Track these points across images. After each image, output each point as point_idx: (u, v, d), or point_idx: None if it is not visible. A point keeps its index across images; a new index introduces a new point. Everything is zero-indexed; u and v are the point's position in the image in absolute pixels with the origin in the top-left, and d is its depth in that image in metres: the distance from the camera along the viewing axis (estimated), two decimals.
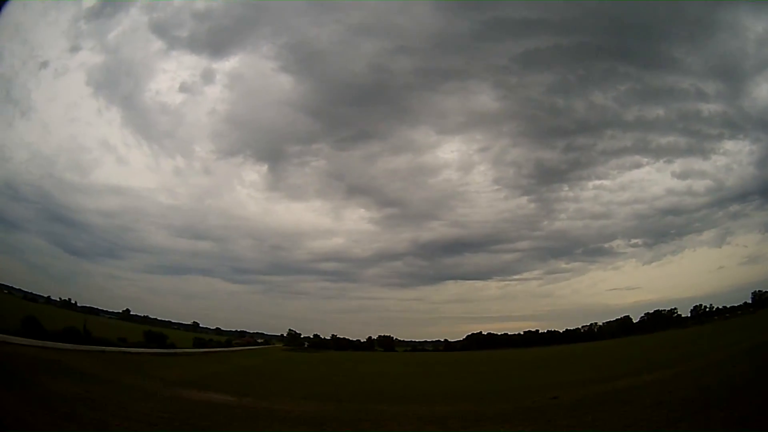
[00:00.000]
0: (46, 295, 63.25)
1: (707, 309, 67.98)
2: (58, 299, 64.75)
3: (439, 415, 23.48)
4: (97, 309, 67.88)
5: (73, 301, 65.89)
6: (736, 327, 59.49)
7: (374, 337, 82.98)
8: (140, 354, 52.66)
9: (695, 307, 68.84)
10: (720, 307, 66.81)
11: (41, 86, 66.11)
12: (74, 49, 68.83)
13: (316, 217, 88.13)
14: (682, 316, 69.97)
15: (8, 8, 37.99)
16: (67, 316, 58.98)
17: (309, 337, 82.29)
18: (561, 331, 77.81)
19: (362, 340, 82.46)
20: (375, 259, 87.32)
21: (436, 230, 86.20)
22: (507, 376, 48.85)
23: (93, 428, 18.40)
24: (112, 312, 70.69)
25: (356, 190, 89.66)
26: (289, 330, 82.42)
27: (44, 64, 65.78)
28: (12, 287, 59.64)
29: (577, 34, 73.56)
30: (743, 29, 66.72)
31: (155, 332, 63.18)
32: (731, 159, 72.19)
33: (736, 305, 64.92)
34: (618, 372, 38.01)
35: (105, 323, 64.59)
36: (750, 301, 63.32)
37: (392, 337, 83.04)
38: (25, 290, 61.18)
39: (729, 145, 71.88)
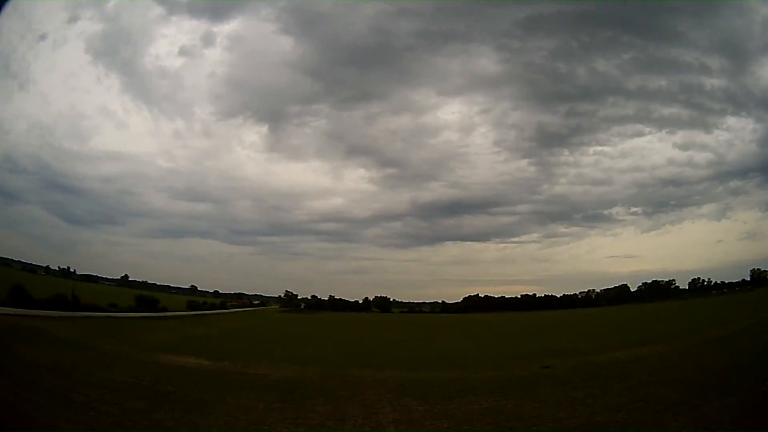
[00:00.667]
0: (44, 265, 62.77)
1: (705, 282, 66.84)
2: (57, 268, 64.08)
3: (423, 383, 22.01)
4: (95, 276, 67.56)
5: (72, 270, 65.22)
6: (734, 303, 58.67)
7: (371, 298, 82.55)
8: (126, 318, 52.03)
9: (693, 279, 68.19)
10: (718, 281, 65.98)
11: (40, 58, 64.66)
12: (73, 19, 67.09)
13: (316, 178, 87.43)
14: (680, 288, 69.15)
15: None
16: (62, 284, 57.31)
17: (306, 298, 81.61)
18: (558, 296, 77.27)
19: (359, 302, 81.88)
20: (374, 219, 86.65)
21: (435, 191, 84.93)
22: (500, 341, 47.85)
23: (51, 396, 17.19)
24: (111, 279, 70.06)
25: (356, 151, 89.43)
26: (286, 291, 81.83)
27: (43, 37, 64.38)
28: (11, 259, 58.99)
29: (580, 2, 71.03)
30: (749, 10, 64.83)
31: (146, 296, 62.53)
32: (733, 135, 70.58)
33: (734, 281, 64.16)
34: (614, 342, 36.83)
35: (100, 290, 63.38)
36: (748, 278, 62.42)
37: (389, 299, 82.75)
38: (25, 261, 60.67)
39: (731, 121, 70.44)
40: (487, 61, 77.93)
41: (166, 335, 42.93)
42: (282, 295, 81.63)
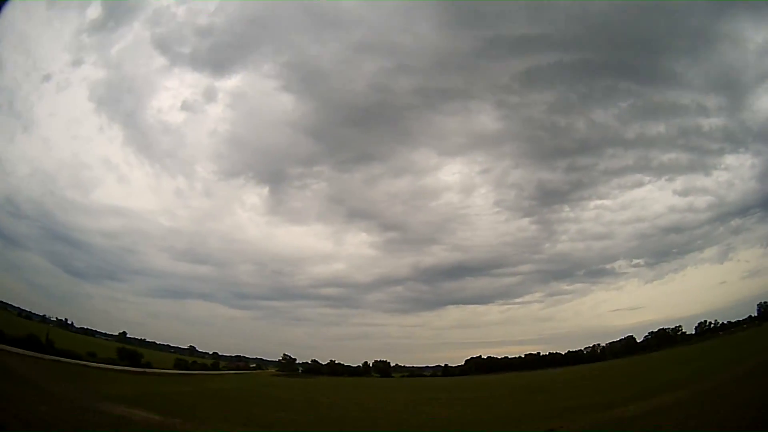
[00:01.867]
0: (42, 314, 60.70)
1: (711, 325, 63.60)
2: (54, 319, 62.15)
3: None
4: (93, 330, 65.22)
5: (69, 322, 63.41)
6: (742, 341, 55.77)
7: (370, 362, 78.43)
8: (97, 368, 49.85)
9: (700, 323, 64.52)
10: (725, 322, 62.44)
11: (43, 100, 65.51)
12: (77, 62, 68.06)
13: (317, 242, 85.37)
14: (687, 333, 65.52)
15: (8, 9, 35.97)
16: (56, 333, 56.24)
17: (306, 362, 78.24)
18: (563, 353, 72.79)
19: (359, 366, 77.76)
20: (376, 284, 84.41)
21: (437, 255, 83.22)
22: (503, 403, 44.24)
23: None
24: (109, 334, 67.02)
25: (357, 214, 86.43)
26: (284, 355, 78.24)
27: (47, 77, 65.41)
28: (9, 304, 56.78)
29: (578, 51, 71.96)
30: (743, 40, 65.06)
31: (129, 350, 60.05)
32: (732, 174, 69.74)
33: (741, 319, 60.79)
34: (624, 395, 33.87)
35: (86, 341, 61.05)
36: (755, 314, 59.19)
37: (389, 363, 78.72)
38: (22, 308, 58.62)
39: (730, 159, 69.75)
40: (486, 119, 77.81)
41: (131, 388, 40.61)
42: (280, 358, 78.20)
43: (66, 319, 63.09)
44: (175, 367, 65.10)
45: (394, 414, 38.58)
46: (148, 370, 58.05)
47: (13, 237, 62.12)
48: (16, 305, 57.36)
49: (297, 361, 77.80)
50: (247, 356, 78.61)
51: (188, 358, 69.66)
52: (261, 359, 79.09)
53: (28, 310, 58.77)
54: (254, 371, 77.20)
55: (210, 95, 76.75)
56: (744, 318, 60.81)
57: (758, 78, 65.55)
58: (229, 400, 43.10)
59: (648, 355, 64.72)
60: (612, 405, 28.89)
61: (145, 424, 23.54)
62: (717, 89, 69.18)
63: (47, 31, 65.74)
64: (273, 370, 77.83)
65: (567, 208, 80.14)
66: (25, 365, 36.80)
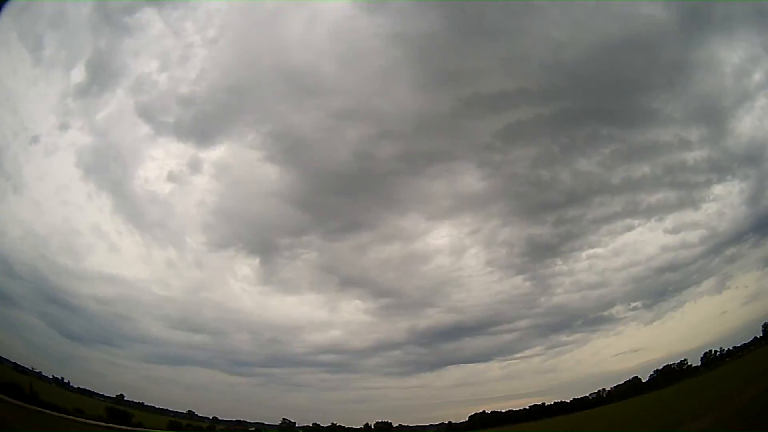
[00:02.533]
0: (38, 371, 58.93)
1: (717, 353, 60.86)
2: (51, 377, 60.75)
3: None
4: (90, 391, 63.14)
5: (66, 381, 61.68)
6: (752, 362, 53.82)
7: (372, 423, 73.76)
8: (82, 423, 49.04)
9: (705, 353, 61.81)
10: (730, 348, 60.13)
11: (32, 162, 65.43)
12: (63, 126, 67.90)
13: (312, 310, 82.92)
14: (693, 366, 62.47)
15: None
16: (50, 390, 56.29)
17: (308, 426, 74.05)
18: (569, 401, 68.92)
19: (360, 428, 73.11)
20: (374, 349, 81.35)
21: (432, 317, 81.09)
22: None
23: None
24: (106, 396, 64.79)
25: (350, 282, 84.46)
26: (283, 419, 73.80)
27: (35, 139, 65.26)
28: (7, 359, 55.95)
29: (556, 101, 72.13)
30: (719, 63, 66.66)
31: (119, 410, 58.36)
32: (722, 203, 69.67)
33: (746, 342, 58.49)
34: None
35: (85, 401, 59.81)
36: (761, 335, 56.91)
37: (391, 423, 74.18)
38: (19, 363, 57.16)
39: (718, 189, 69.81)
40: (471, 179, 77.22)
41: None
42: (280, 423, 73.89)
43: (62, 378, 61.68)
44: (169, 428, 63.36)
45: None
46: (138, 429, 56.73)
47: (8, 296, 61.35)
48: (13, 360, 56.25)
49: (297, 425, 73.97)
50: (247, 421, 74.79)
51: (184, 421, 67.47)
52: (261, 423, 75.07)
53: (24, 365, 57.33)
54: None
55: (195, 166, 76.27)
56: (749, 341, 58.69)
57: (737, 100, 66.68)
58: None
59: (656, 393, 61.48)
60: None
61: None
62: (698, 120, 70.22)
63: (33, 90, 66.24)
64: None
65: (559, 261, 78.83)
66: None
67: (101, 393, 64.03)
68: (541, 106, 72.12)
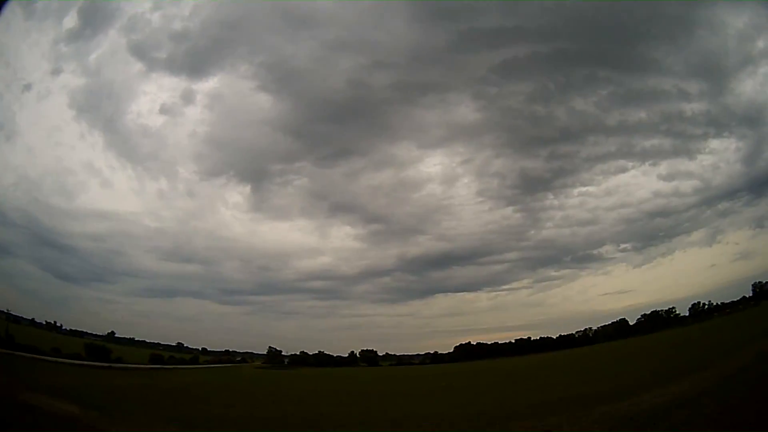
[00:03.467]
0: (30, 318, 59.73)
1: (706, 306, 61.08)
2: (44, 322, 60.98)
3: None
4: (82, 332, 63.20)
5: (58, 324, 61.83)
6: (745, 320, 52.91)
7: (357, 352, 75.04)
8: (53, 362, 46.96)
9: (693, 305, 62.45)
10: (719, 303, 60.28)
11: (25, 109, 64.98)
12: (56, 71, 68.10)
13: (302, 236, 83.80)
14: (681, 315, 62.98)
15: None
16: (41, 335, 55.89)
17: (295, 354, 75.03)
18: (554, 338, 70.53)
19: (345, 356, 74.58)
20: (363, 276, 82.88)
21: (422, 245, 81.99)
22: (491, 393, 39.78)
23: None
24: (98, 335, 64.90)
25: (340, 208, 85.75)
26: (269, 347, 75.14)
27: (27, 87, 64.91)
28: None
29: (554, 41, 70.18)
30: (723, 26, 63.66)
31: (97, 345, 57.50)
32: (718, 157, 68.65)
33: (735, 300, 58.94)
34: (630, 382, 29.92)
35: (74, 342, 58.67)
36: (750, 295, 57.11)
37: (376, 352, 75.33)
38: (13, 313, 56.34)
39: (715, 143, 68.68)
40: (465, 110, 76.40)
41: (69, 380, 36.96)
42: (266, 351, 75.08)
43: (55, 322, 61.82)
44: (150, 362, 62.54)
45: (366, 409, 33.96)
46: (116, 365, 54.84)
47: (1, 245, 60.85)
48: (5, 310, 55.30)
49: (283, 353, 74.91)
50: (237, 351, 76.77)
51: (165, 354, 67.31)
52: (250, 353, 76.92)
53: (16, 314, 56.75)
54: (237, 364, 74.05)
55: (188, 98, 75.81)
56: (738, 299, 59.02)
57: (740, 63, 64.49)
58: (176, 394, 38.74)
59: (642, 338, 61.92)
60: (619, 395, 24.61)
61: (58, 415, 21.17)
62: (698, 75, 68.45)
63: (26, 42, 65.54)
64: (259, 363, 75.07)
65: (551, 196, 79.00)
66: None
67: (93, 332, 64.28)
68: (538, 44, 70.12)
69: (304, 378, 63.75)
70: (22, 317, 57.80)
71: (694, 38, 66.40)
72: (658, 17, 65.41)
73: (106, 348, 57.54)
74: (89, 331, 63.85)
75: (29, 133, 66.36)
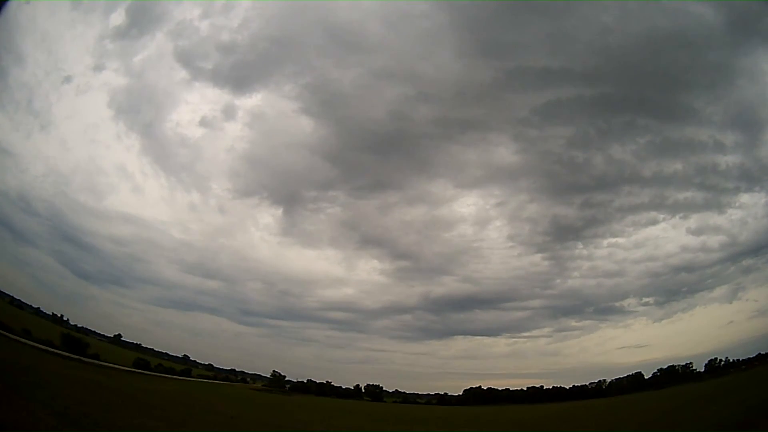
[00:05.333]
0: (36, 306, 58.37)
1: (722, 362, 57.84)
2: (51, 313, 59.49)
3: None
4: (88, 329, 61.65)
5: (65, 318, 60.32)
6: (760, 377, 49.66)
7: (362, 386, 72.61)
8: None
9: (710, 361, 58.89)
10: (734, 360, 57.07)
11: (62, 101, 64.44)
12: (98, 67, 66.71)
13: (328, 266, 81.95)
14: (697, 371, 59.61)
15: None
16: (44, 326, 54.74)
17: (302, 381, 72.96)
18: (567, 388, 67.23)
19: (349, 388, 72.21)
20: (385, 311, 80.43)
21: (447, 285, 79.32)
22: None
23: None
24: (104, 335, 64.13)
25: (370, 241, 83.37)
26: (273, 371, 72.83)
27: (67, 79, 64.12)
28: (5, 293, 54.58)
29: (598, 85, 69.71)
30: (762, 74, 63.02)
31: (74, 337, 55.26)
32: (746, 212, 66.49)
33: (751, 357, 55.23)
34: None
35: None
36: (765, 352, 53.45)
37: (381, 387, 72.86)
38: (16, 297, 56.02)
39: (745, 198, 66.78)
40: (505, 151, 75.04)
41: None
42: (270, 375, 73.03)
43: (62, 315, 60.24)
44: (134, 366, 60.22)
45: None
46: (86, 359, 52.93)
47: (22, 233, 60.61)
48: (11, 294, 55.12)
49: (287, 378, 72.84)
50: (245, 371, 74.73)
51: (155, 360, 65.37)
52: (258, 375, 74.88)
53: (20, 299, 56.39)
54: (231, 383, 72.03)
55: (229, 112, 75.13)
56: (754, 355, 55.29)
57: None
58: (127, 399, 37.21)
59: (657, 393, 58.50)
60: None
61: None
62: (735, 126, 66.90)
63: (70, 32, 65.04)
64: (259, 385, 72.96)
65: (580, 245, 76.45)
66: None
67: (99, 332, 63.16)
68: (582, 87, 69.12)
69: (290, 404, 61.99)
70: (28, 304, 56.76)
71: (733, 87, 65.62)
72: (699, 65, 65.22)
73: (83, 342, 55.53)
74: (96, 330, 62.68)
75: (64, 126, 65.40)
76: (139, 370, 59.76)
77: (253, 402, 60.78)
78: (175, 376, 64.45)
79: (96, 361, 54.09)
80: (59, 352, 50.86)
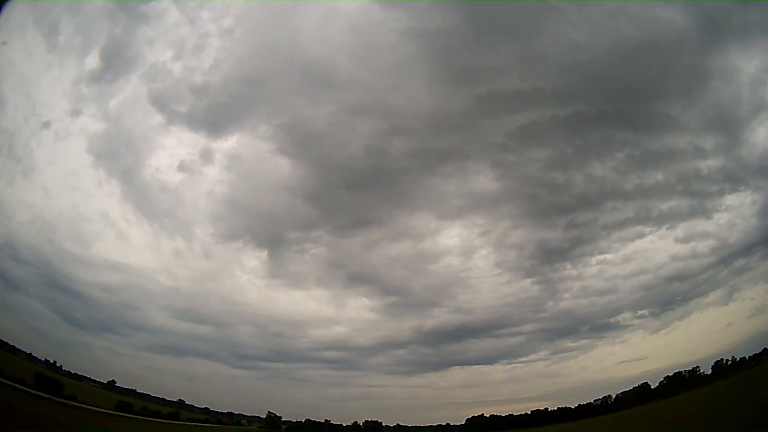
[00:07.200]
0: (28, 352, 55.95)
1: (729, 362, 56.31)
2: (43, 359, 57.30)
3: None
4: (82, 376, 60.19)
5: (58, 365, 58.23)
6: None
7: (361, 422, 68.62)
8: None
9: (717, 362, 57.27)
10: (743, 357, 55.41)
11: (43, 147, 63.07)
12: (75, 112, 66.15)
13: (318, 306, 79.86)
14: (704, 374, 57.76)
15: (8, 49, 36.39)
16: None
17: (300, 421, 69.61)
18: (573, 407, 64.13)
19: (347, 425, 68.36)
20: (378, 347, 77.92)
21: (439, 317, 77.76)
22: None
23: None
24: (98, 381, 62.37)
25: (357, 279, 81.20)
26: (268, 412, 68.70)
27: (46, 124, 63.33)
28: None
29: (571, 103, 69.18)
30: (736, 72, 63.82)
31: (50, 377, 52.16)
32: (733, 214, 66.56)
33: (757, 353, 54.02)
34: None
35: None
36: None
37: (380, 422, 68.92)
38: (9, 342, 53.13)
39: (730, 199, 66.76)
40: (484, 179, 74.60)
41: None
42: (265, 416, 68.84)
43: (55, 362, 58.17)
44: (116, 409, 57.12)
45: None
46: (56, 398, 49.45)
47: (13, 280, 58.54)
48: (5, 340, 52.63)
49: (283, 419, 69.07)
50: (243, 413, 70.89)
51: (139, 403, 62.03)
52: (256, 417, 71.08)
53: (12, 344, 53.60)
54: (224, 426, 68.00)
55: (206, 156, 73.73)
56: (760, 351, 54.14)
57: (753, 110, 64.01)
58: None
59: (668, 401, 56.29)
60: None
61: None
62: (713, 128, 67.45)
63: (47, 76, 64.13)
64: (254, 427, 68.95)
65: (569, 266, 75.30)
66: None
67: (93, 378, 61.70)
68: (556, 107, 69.04)
69: None
70: (20, 349, 54.65)
71: (708, 89, 66.11)
72: (672, 69, 65.63)
73: (57, 382, 52.56)
74: (89, 376, 60.89)
75: (46, 173, 64.35)
76: (120, 413, 55.90)
77: None
78: (160, 420, 60.24)
79: (72, 402, 50.44)
80: (33, 391, 47.04)
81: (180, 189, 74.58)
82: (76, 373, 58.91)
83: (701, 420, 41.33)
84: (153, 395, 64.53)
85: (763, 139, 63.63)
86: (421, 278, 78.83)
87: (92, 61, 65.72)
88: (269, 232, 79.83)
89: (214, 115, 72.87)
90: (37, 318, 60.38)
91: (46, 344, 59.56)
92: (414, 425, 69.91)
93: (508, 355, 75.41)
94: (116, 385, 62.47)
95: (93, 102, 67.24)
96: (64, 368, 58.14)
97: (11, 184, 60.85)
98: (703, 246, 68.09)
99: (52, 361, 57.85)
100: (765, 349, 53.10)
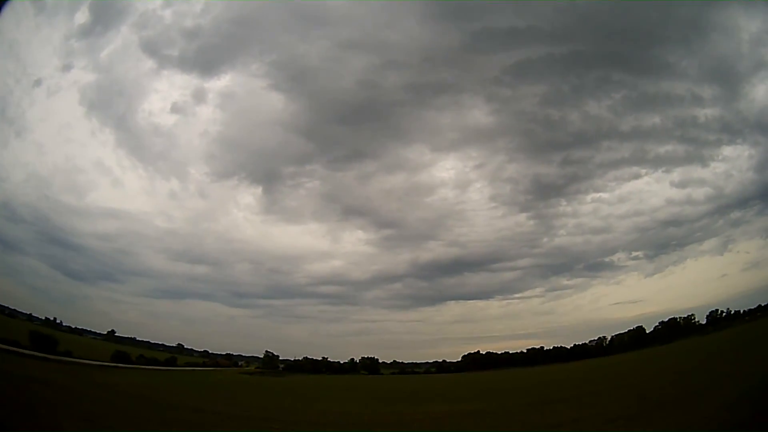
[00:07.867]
0: (28, 313, 56.66)
1: (724, 314, 57.81)
2: (42, 318, 58.04)
3: None
4: (82, 329, 61.50)
5: (58, 321, 59.43)
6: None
7: (357, 359, 69.59)
8: None
9: (711, 312, 58.74)
10: (739, 310, 56.79)
11: (35, 105, 62.79)
12: (66, 67, 65.63)
13: (313, 240, 79.58)
14: (699, 323, 59.36)
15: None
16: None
17: (297, 359, 70.72)
18: (569, 347, 65.82)
19: (344, 363, 69.32)
20: (375, 281, 78.45)
21: (434, 251, 78.06)
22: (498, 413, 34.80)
23: None
24: (98, 333, 63.29)
25: (352, 212, 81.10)
26: (265, 352, 68.81)
27: (37, 83, 62.68)
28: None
29: (568, 42, 68.16)
30: (737, 29, 61.95)
31: (44, 334, 51.81)
32: (730, 165, 66.09)
33: (752, 308, 55.25)
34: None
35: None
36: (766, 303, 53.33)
37: (377, 359, 69.96)
38: (7, 306, 54.31)
39: (727, 150, 66.21)
40: (479, 113, 73.40)
41: None
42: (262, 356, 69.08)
43: (55, 318, 59.18)
44: (113, 360, 56.97)
45: None
46: (51, 356, 48.76)
47: (10, 241, 59.26)
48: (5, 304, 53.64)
49: (280, 358, 69.70)
50: (242, 354, 72.23)
51: (136, 351, 62.94)
52: (255, 357, 71.90)
53: (12, 308, 54.76)
54: (220, 369, 68.42)
55: (199, 97, 73.36)
56: (755, 307, 55.29)
57: (753, 67, 62.68)
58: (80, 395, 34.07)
59: (664, 348, 57.98)
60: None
61: None
62: (712, 79, 66.53)
63: (36, 37, 62.76)
64: (252, 368, 69.21)
65: (564, 202, 75.65)
66: None
67: (93, 330, 62.79)
68: (552, 46, 68.29)
69: (279, 386, 59.39)
70: (20, 312, 55.29)
71: (707, 42, 65.17)
72: (671, 19, 64.42)
73: (52, 338, 51.73)
74: (89, 329, 62.12)
75: (39, 130, 64.32)
76: (116, 364, 55.04)
77: (233, 389, 56.98)
78: (157, 368, 60.15)
79: (66, 358, 49.42)
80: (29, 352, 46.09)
81: (174, 131, 74.48)
82: (76, 327, 60.34)
83: (700, 373, 41.68)
84: (152, 342, 66.32)
85: (762, 96, 62.84)
86: (416, 211, 79.26)
87: (82, 16, 65.53)
88: (264, 168, 79.84)
89: (205, 56, 72.74)
90: (37, 276, 61.79)
91: (46, 301, 60.88)
92: (410, 362, 71.41)
93: (504, 290, 76.99)
94: (116, 335, 63.07)
95: (83, 55, 66.51)
96: (63, 324, 59.11)
97: (5, 146, 61.46)
98: (698, 193, 68.68)
99: (52, 318, 58.70)
100: (759, 305, 54.36)
